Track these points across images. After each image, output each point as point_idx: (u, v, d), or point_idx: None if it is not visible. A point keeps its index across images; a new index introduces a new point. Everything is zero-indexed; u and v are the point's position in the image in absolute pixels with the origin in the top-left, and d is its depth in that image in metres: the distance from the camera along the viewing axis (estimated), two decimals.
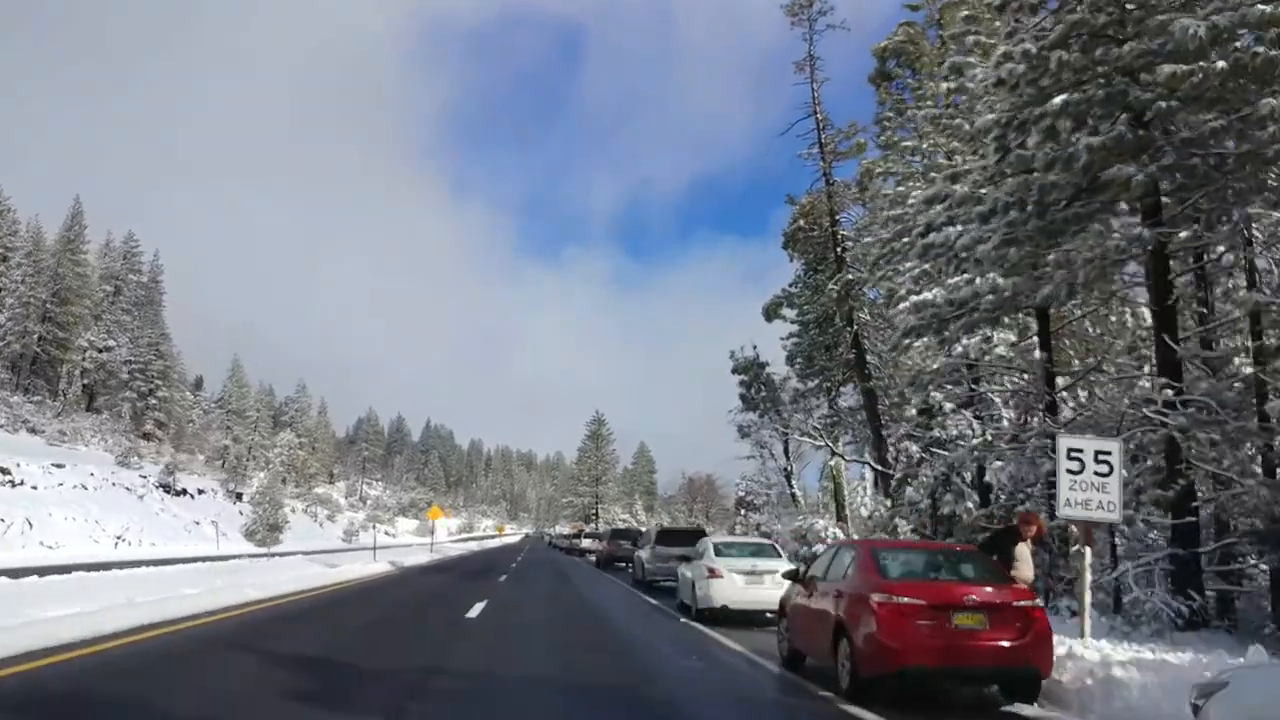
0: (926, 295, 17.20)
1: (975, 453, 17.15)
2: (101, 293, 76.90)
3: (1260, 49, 9.58)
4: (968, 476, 20.36)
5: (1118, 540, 13.01)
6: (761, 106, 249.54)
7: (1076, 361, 18.42)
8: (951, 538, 18.98)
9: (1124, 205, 12.21)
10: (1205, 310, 13.70)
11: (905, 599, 7.52)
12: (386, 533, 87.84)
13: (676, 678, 9.46)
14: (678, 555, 19.70)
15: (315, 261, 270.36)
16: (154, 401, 73.29)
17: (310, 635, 11.33)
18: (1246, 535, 11.72)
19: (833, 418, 35.15)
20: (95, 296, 75.44)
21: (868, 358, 31.02)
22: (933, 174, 20.09)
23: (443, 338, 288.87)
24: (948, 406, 20.63)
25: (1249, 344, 13.94)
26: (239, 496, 59.68)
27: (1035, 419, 17.40)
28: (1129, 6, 11.14)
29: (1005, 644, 7.37)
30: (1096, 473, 8.62)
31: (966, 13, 18.36)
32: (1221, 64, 9.60)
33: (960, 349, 18.04)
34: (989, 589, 7.74)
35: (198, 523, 47.36)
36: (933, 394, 19.95)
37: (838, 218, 32.17)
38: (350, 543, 66.38)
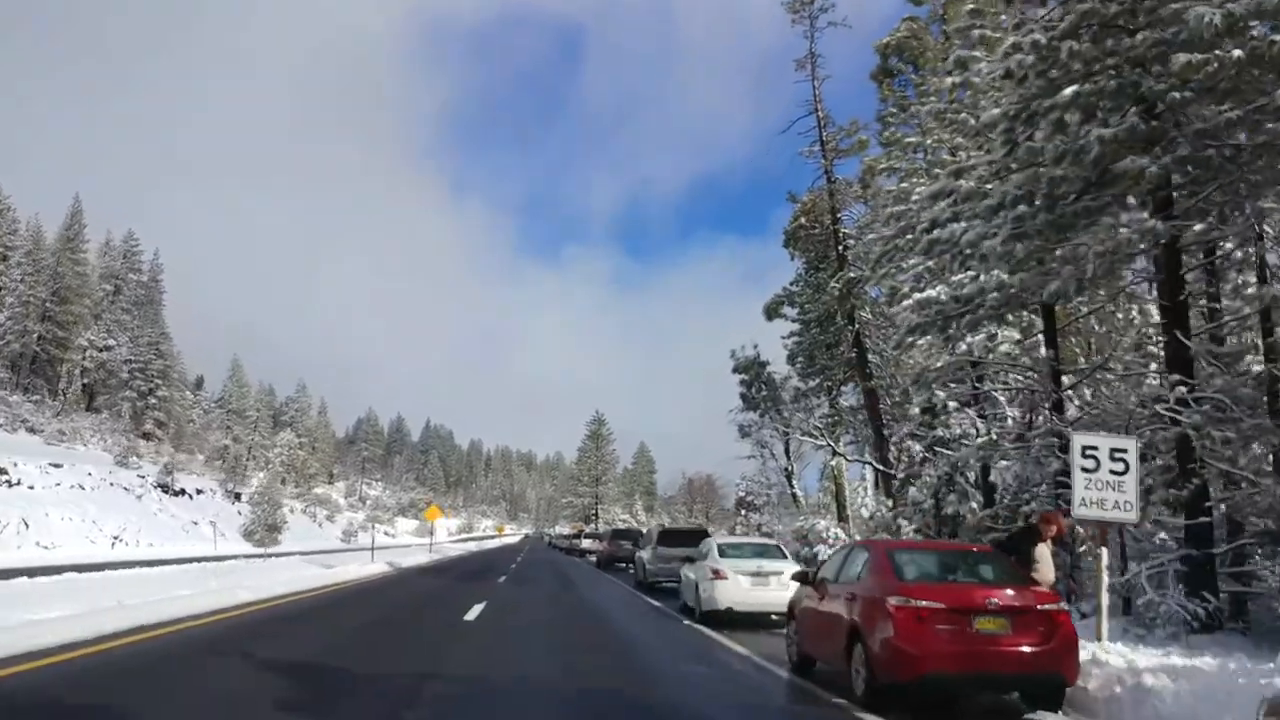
0: (930, 293, 16.99)
1: (981, 451, 16.91)
2: (101, 292, 76.74)
3: (1277, 38, 9.33)
4: (971, 476, 20.13)
5: (1126, 541, 12.77)
6: (761, 106, 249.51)
7: (1082, 359, 18.18)
8: (956, 538, 18.76)
9: (1133, 200, 11.98)
10: (1215, 306, 13.47)
11: (924, 602, 7.21)
12: (386, 533, 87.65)
13: (682, 683, 9.18)
14: (680, 556, 19.47)
15: (315, 261, 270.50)
16: (154, 401, 73.07)
17: (303, 638, 11.10)
18: (1260, 536, 11.49)
19: (834, 417, 34.92)
20: (95, 296, 75.29)
21: (869, 357, 30.80)
22: (936, 170, 19.86)
23: (443, 338, 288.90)
24: (951, 405, 20.41)
25: (1258, 341, 13.72)
26: (238, 497, 59.47)
27: (1041, 417, 17.17)
28: None
29: (1029, 650, 7.08)
30: (1112, 471, 8.37)
31: (971, 6, 18.06)
32: (1238, 53, 9.36)
33: (964, 347, 17.82)
34: (1011, 592, 7.45)
35: (196, 523, 47.13)
36: (936, 393, 19.71)
37: (839, 215, 31.95)
38: (349, 543, 66.17)
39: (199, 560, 25.61)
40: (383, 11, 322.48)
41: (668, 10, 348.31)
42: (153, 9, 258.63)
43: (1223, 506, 11.82)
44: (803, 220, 34.50)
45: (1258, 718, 4.05)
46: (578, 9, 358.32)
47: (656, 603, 19.04)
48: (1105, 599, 8.39)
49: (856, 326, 30.57)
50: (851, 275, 30.05)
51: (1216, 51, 9.60)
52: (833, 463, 36.65)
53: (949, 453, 19.81)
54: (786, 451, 37.97)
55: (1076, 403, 16.82)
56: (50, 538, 33.01)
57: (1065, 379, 16.21)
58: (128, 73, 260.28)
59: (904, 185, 22.80)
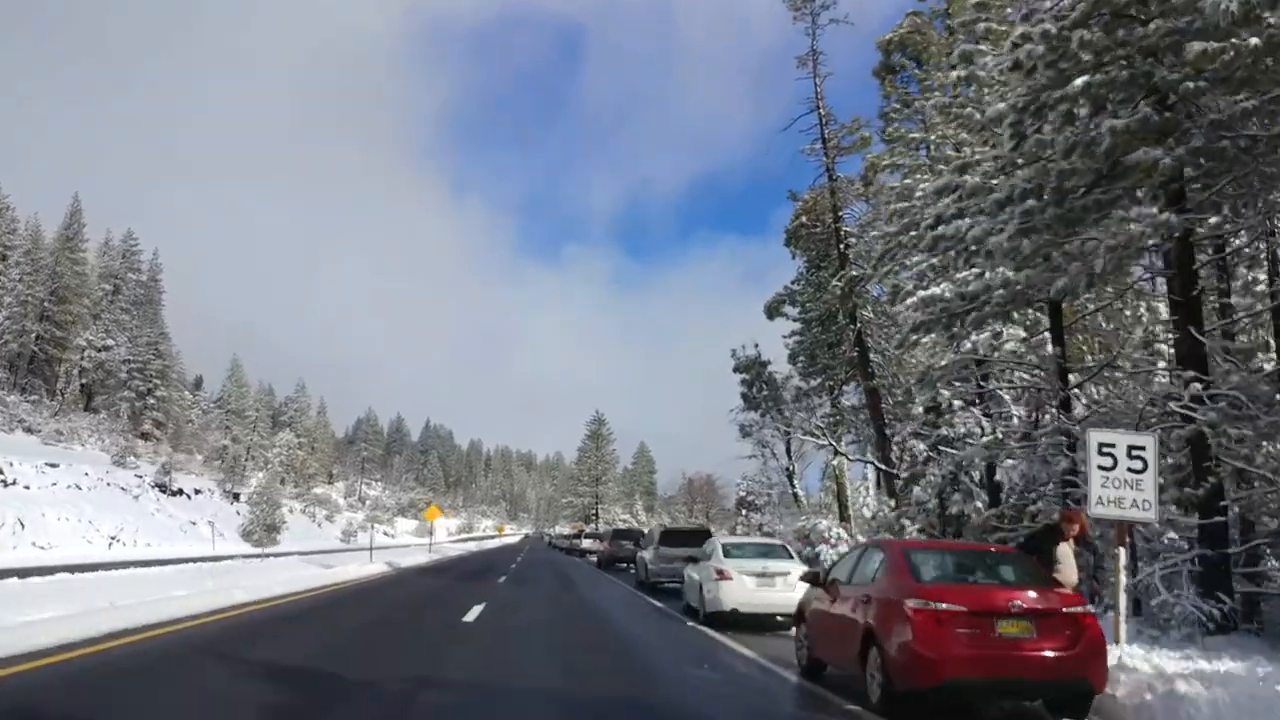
0: (934, 290, 16.77)
1: (987, 450, 16.70)
2: (100, 292, 76.53)
3: None
4: (976, 475, 19.94)
5: (1135, 541, 12.56)
6: (761, 106, 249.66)
7: (1089, 357, 17.98)
8: (960, 538, 18.56)
9: (1142, 193, 11.77)
10: (1226, 302, 13.26)
11: (943, 605, 6.89)
12: (385, 533, 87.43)
13: (688, 688, 8.88)
14: (683, 556, 19.26)
15: (315, 261, 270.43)
16: (152, 401, 72.83)
17: (297, 641, 10.87)
18: (1273, 535, 11.27)
19: (835, 416, 34.74)
20: (94, 295, 75.08)
21: (871, 356, 30.61)
22: (940, 166, 19.64)
23: (443, 338, 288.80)
24: (956, 404, 20.21)
25: (1269, 339, 13.51)
26: (236, 497, 59.24)
27: (1048, 416, 16.95)
28: None
29: (1055, 655, 6.77)
30: (1130, 469, 8.14)
31: None
32: (1254, 41, 9.13)
33: (969, 345, 17.62)
34: (1034, 594, 7.14)
35: (194, 523, 46.87)
36: (941, 391, 19.50)
37: (841, 214, 31.76)
38: (348, 543, 65.97)
39: (195, 560, 25.37)
40: (383, 11, 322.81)
41: (668, 10, 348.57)
42: (153, 9, 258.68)
43: (1235, 506, 11.61)
44: (804, 219, 34.32)
45: None
46: (578, 9, 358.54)
47: (659, 603, 18.82)
48: (1124, 600, 8.13)
49: (858, 325, 30.38)
50: (853, 274, 29.86)
51: (1232, 40, 9.38)
52: (834, 462, 36.48)
53: (954, 452, 19.60)
54: (788, 451, 37.78)
55: (1084, 401, 16.61)
56: (46, 538, 32.77)
57: (1072, 377, 16.00)
58: (128, 73, 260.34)
59: (907, 182, 22.58)
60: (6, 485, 35.02)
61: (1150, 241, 10.94)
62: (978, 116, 17.30)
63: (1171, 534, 12.09)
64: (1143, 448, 8.23)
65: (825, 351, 33.92)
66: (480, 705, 7.46)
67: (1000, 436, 17.27)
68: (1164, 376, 15.19)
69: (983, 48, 17.44)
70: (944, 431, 20.64)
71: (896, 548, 8.27)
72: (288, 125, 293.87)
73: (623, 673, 9.78)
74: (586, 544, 59.16)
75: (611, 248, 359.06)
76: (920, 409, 22.60)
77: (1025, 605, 6.97)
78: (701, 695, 8.55)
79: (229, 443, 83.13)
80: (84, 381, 73.43)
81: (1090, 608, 7.34)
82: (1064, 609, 7.04)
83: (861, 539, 26.28)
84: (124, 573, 17.81)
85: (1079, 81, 10.78)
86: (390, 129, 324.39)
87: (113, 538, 37.07)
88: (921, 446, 23.73)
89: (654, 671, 9.94)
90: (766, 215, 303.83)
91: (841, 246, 31.05)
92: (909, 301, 18.31)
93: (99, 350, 71.99)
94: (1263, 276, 14.25)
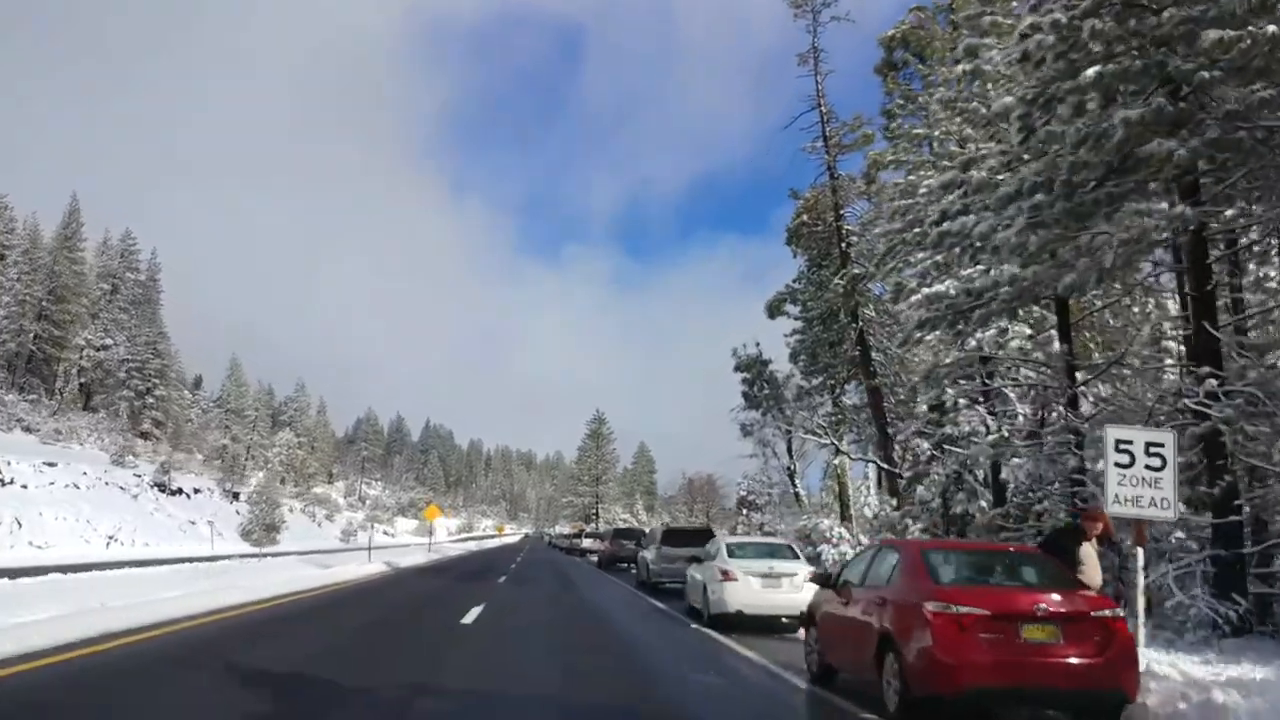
0: (939, 287, 16.58)
1: (992, 449, 16.48)
2: (99, 291, 76.35)
3: None
4: (980, 474, 19.72)
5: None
6: (762, 106, 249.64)
7: (1096, 354, 17.76)
8: (964, 538, 18.35)
9: (1154, 186, 11.54)
10: (1238, 298, 13.03)
11: (964, 608, 6.55)
12: (385, 533, 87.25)
13: (694, 695, 8.57)
14: (685, 556, 19.04)
15: (315, 261, 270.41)
16: (151, 400, 72.59)
17: (290, 643, 10.64)
18: None
19: (837, 415, 34.53)
20: (92, 295, 74.91)
21: (873, 354, 30.41)
22: (944, 163, 19.42)
23: (443, 338, 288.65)
24: (960, 402, 19.99)
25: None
26: (235, 496, 59.05)
27: (1054, 414, 16.75)
28: None
29: (1083, 661, 6.43)
30: (1148, 466, 7.89)
31: None
32: (1272, 28, 8.89)
33: (974, 342, 17.42)
34: (1060, 596, 6.80)
35: (193, 522, 46.66)
36: (946, 389, 19.28)
37: (842, 212, 31.57)
38: (347, 543, 65.77)
39: (192, 560, 25.15)
40: (383, 11, 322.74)
41: (668, 10, 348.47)
42: (153, 9, 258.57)
43: (1247, 506, 11.37)
44: (805, 217, 34.13)
45: None
46: (578, 9, 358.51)
47: (661, 604, 18.59)
48: (1143, 602, 7.87)
49: (860, 324, 30.18)
50: (855, 272, 29.67)
51: (1249, 28, 9.15)
52: (836, 461, 36.27)
53: (958, 450, 19.40)
54: (789, 450, 37.55)
55: (1091, 398, 16.40)
56: (44, 537, 32.56)
57: (1079, 374, 15.78)
58: (128, 73, 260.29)
59: (911, 178, 22.36)
60: (4, 485, 34.81)
61: (1163, 235, 10.70)
62: (983, 111, 17.10)
63: (1179, 533, 11.87)
64: (1161, 445, 7.98)
65: (827, 350, 33.69)
66: (479, 713, 7.25)
67: (1006, 435, 17.06)
68: (1172, 374, 14.97)
69: (988, 41, 17.23)
70: (948, 430, 20.42)
71: (913, 548, 7.96)
72: (288, 125, 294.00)
73: (624, 674, 9.55)
74: (587, 544, 58.93)
75: (611, 248, 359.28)
76: (924, 407, 22.39)
77: (1051, 609, 6.64)
78: (709, 703, 8.28)
79: (228, 442, 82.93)
80: (83, 381, 73.24)
81: (1120, 611, 7.04)
82: (1092, 613, 6.71)
83: (863, 539, 26.06)
84: (118, 573, 17.58)
85: (1090, 72, 10.55)
86: (390, 129, 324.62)
87: (110, 537, 36.86)
88: (925, 445, 23.52)
89: (657, 676, 9.68)
90: (766, 215, 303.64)
91: (843, 245, 30.87)
92: (913, 299, 18.11)
93: (97, 349, 71.79)
94: (1274, 273, 14.04)
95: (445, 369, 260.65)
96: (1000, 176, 14.55)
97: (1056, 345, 15.80)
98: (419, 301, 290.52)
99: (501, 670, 9.49)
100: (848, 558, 24.24)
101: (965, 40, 17.91)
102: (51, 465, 40.23)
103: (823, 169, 31.76)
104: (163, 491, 49.29)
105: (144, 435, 69.43)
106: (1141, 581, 8.03)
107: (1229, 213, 10.79)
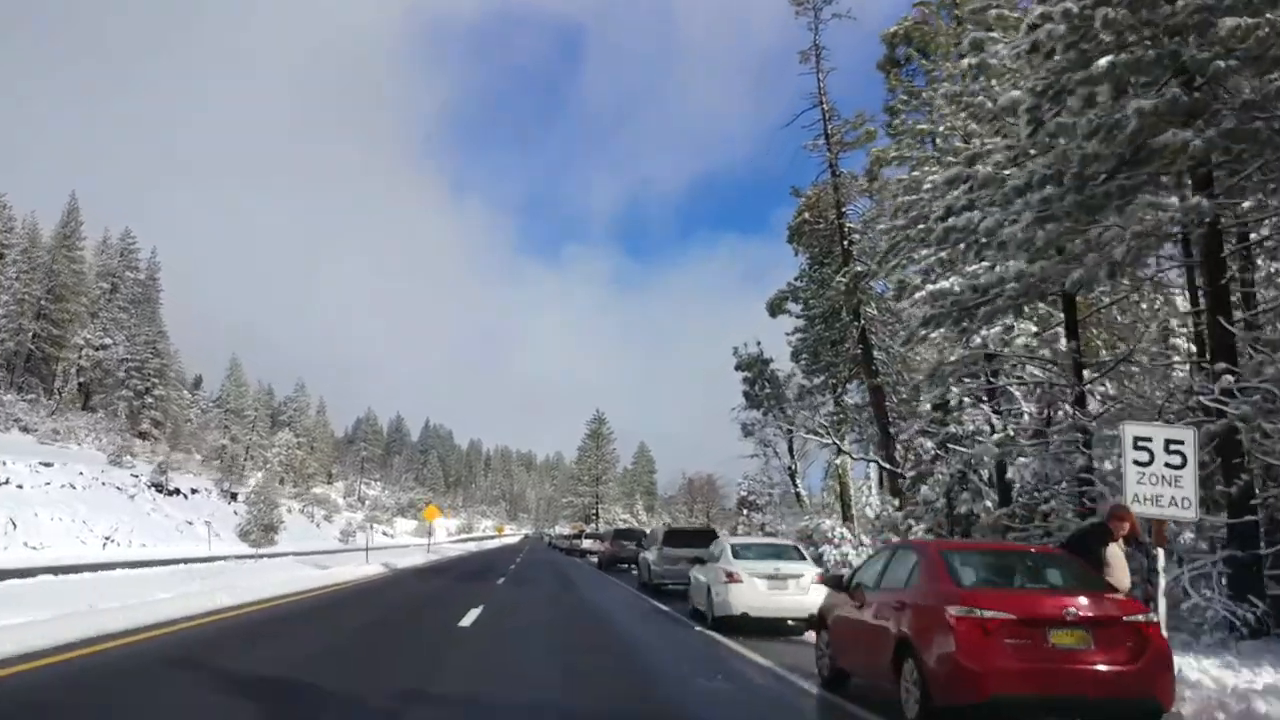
0: (944, 284, 16.35)
1: (998, 448, 16.25)
2: (98, 290, 76.18)
3: None
4: (985, 474, 19.48)
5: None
6: (762, 106, 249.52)
7: (1104, 351, 17.53)
8: (969, 538, 18.12)
9: (1166, 179, 11.32)
10: (1250, 292, 12.80)
11: (989, 612, 6.25)
12: (385, 533, 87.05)
13: (701, 701, 8.24)
14: (687, 557, 18.79)
15: (315, 261, 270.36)
16: (150, 400, 72.38)
17: (282, 646, 10.39)
18: None
19: (839, 414, 34.31)
20: (91, 294, 74.71)
21: (875, 353, 30.20)
22: (949, 158, 19.20)
23: (443, 338, 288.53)
24: (965, 401, 19.76)
25: None
26: (234, 496, 58.80)
27: (1061, 412, 16.51)
28: None
29: (1116, 669, 6.12)
30: (1168, 464, 7.65)
31: None
32: None
33: (979, 340, 17.18)
34: (1090, 600, 6.48)
35: (190, 523, 46.45)
36: (951, 388, 19.04)
37: (844, 210, 31.37)
38: (346, 543, 65.56)
39: (187, 561, 24.92)
40: (382, 11, 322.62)
41: (668, 10, 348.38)
42: (153, 9, 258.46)
43: (1263, 506, 11.14)
44: (806, 215, 33.95)
45: None
46: (578, 9, 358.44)
47: (664, 606, 18.34)
48: (1163, 604, 7.61)
49: (862, 322, 29.96)
50: (857, 270, 29.44)
51: (1267, 15, 8.92)
52: (837, 461, 36.04)
53: (963, 449, 19.16)
54: (790, 450, 37.34)
55: (1098, 396, 16.17)
56: (39, 538, 32.35)
57: (1086, 372, 15.56)
58: (128, 73, 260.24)
59: (915, 174, 22.13)
60: None
61: (1175, 229, 10.47)
62: (989, 105, 16.86)
63: (1189, 534, 11.64)
64: (1181, 443, 7.73)
65: (828, 349, 33.50)
66: (478, 715, 7.00)
67: (1012, 434, 16.83)
68: (1182, 370, 14.75)
69: (994, 35, 17.03)
70: (952, 429, 20.18)
71: (933, 549, 7.65)
72: (288, 125, 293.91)
73: (625, 676, 9.32)
74: (587, 544, 58.69)
75: (611, 248, 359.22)
76: (927, 406, 22.15)
77: (1081, 613, 6.33)
78: (715, 708, 8.00)
79: (228, 442, 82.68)
80: (81, 380, 73.03)
81: (1154, 616, 6.74)
82: (1124, 617, 6.42)
83: (865, 539, 25.83)
84: (111, 574, 17.35)
85: (1103, 62, 10.31)
86: (390, 129, 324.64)
87: (107, 538, 36.65)
88: (928, 444, 23.29)
89: (662, 680, 9.41)
90: (767, 214, 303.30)
91: (845, 242, 30.68)
92: (917, 296, 17.89)
93: (96, 349, 71.57)
94: None
95: (445, 369, 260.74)
96: (1006, 171, 14.33)
97: (1063, 342, 15.58)
98: (419, 301, 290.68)
99: (501, 672, 9.27)
100: (849, 558, 24.10)
101: (970, 34, 17.68)
102: (48, 465, 40.02)
103: (824, 166, 31.60)
104: (160, 492, 49.08)
105: (143, 435, 69.22)
106: (1162, 583, 7.79)
107: (1246, 204, 10.54)
